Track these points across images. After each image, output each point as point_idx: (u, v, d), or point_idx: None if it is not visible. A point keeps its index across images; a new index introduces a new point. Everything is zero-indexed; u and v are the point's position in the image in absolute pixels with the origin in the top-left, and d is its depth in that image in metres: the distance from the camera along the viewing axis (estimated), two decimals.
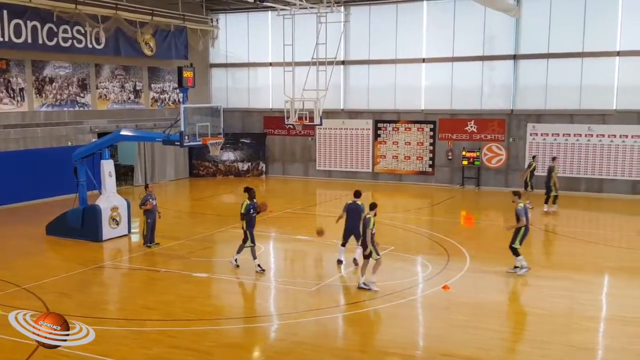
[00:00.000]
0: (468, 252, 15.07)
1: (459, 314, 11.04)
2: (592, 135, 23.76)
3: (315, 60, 22.60)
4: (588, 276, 12.92)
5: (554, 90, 24.26)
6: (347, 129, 27.90)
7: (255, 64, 29.56)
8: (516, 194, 13.53)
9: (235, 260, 13.78)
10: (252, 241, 13.46)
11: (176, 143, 16.33)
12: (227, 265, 14.56)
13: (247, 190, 13.55)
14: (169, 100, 27.79)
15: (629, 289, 12.44)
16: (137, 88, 26.44)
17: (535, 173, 20.88)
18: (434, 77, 26.32)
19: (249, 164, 29.56)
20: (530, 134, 24.71)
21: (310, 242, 16.20)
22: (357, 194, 13.62)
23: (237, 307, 11.75)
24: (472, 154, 25.47)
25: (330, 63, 22.72)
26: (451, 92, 25.90)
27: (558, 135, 24.25)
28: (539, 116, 24.55)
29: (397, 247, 15.08)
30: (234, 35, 29.65)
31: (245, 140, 29.34)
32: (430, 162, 26.61)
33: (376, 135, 27.42)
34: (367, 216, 12.17)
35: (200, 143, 16.11)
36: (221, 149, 17.89)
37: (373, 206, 12.32)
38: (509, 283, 13.74)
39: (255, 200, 13.54)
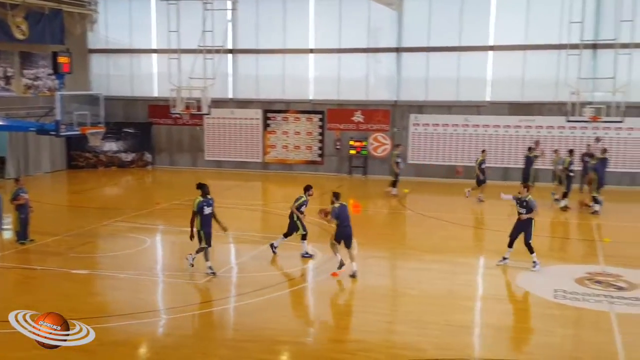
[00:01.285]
0: (355, 239, 15.44)
1: (346, 299, 11.33)
2: (468, 126, 25.18)
3: (202, 47, 22.14)
4: (466, 259, 13.71)
5: (434, 82, 25.40)
6: (236, 118, 27.63)
7: (138, 51, 28.46)
8: (525, 186, 13.44)
9: (193, 259, 12.66)
10: (208, 242, 12.41)
11: (51, 133, 15.53)
12: (110, 260, 13.99)
13: (200, 186, 12.48)
14: (43, 87, 26.09)
15: (502, 269, 13.33)
16: (8, 74, 24.58)
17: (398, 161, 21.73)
18: (321, 68, 26.68)
19: (134, 154, 28.48)
20: (413, 124, 25.75)
21: None
22: (337, 196, 12.66)
23: (121, 304, 11.30)
24: (359, 144, 26.13)
25: (218, 51, 22.37)
26: (338, 83, 26.39)
27: (438, 125, 25.46)
28: (421, 107, 25.63)
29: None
30: (115, 20, 28.33)
31: (129, 130, 28.21)
32: (320, 152, 26.99)
33: (266, 125, 27.39)
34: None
35: (78, 133, 15.34)
36: (102, 139, 17.15)
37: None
38: (393, 267, 14.31)
39: (209, 197, 12.50)
